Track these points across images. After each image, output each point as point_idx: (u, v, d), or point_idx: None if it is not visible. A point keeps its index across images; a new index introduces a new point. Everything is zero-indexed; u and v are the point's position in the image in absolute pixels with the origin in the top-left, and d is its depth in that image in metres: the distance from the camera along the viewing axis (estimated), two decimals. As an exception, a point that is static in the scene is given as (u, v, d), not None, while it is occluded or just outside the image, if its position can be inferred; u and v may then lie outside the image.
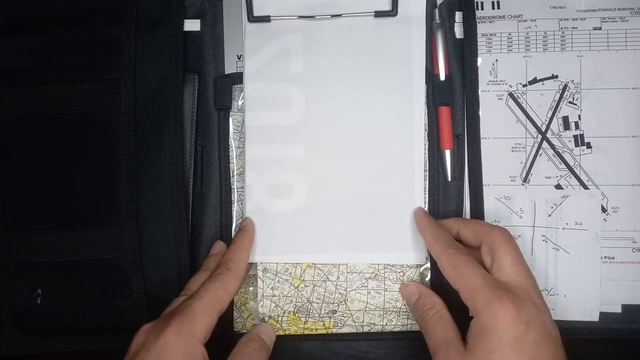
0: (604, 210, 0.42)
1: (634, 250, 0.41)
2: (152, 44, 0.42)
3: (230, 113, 0.44)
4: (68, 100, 0.42)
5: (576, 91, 0.42)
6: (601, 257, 0.41)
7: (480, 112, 0.42)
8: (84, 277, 0.42)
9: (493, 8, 0.43)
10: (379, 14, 0.42)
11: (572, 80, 0.42)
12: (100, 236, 0.41)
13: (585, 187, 0.42)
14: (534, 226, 0.42)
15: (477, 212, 0.42)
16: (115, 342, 0.40)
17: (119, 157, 0.41)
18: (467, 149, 0.42)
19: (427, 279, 0.42)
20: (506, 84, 0.42)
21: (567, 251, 0.42)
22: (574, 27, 0.42)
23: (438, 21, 0.43)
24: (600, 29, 0.42)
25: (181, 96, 0.42)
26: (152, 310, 0.39)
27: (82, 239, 0.41)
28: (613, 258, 0.42)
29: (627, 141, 0.41)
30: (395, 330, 0.42)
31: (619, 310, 0.42)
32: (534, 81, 0.42)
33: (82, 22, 0.43)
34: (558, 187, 0.42)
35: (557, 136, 0.42)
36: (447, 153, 0.43)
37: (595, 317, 0.41)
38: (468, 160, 0.42)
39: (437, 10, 0.43)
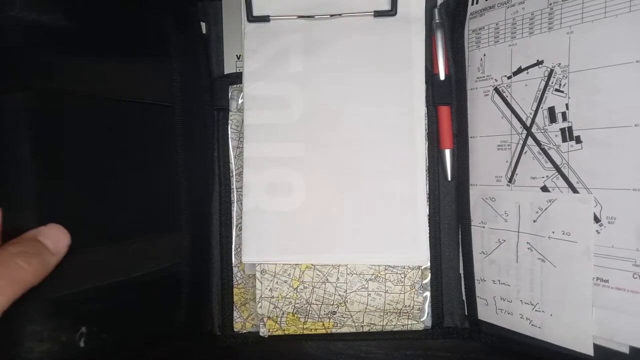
0: (597, 220, 0.33)
1: (635, 276, 0.31)
2: (183, 41, 0.40)
3: (230, 113, 0.44)
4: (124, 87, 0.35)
5: (563, 76, 0.35)
6: (593, 278, 0.33)
7: (468, 110, 0.41)
8: (133, 300, 0.34)
9: (487, -2, 0.40)
10: (378, 14, 0.42)
11: (559, 64, 0.35)
12: (162, 244, 0.37)
13: (575, 191, 0.34)
14: (518, 231, 0.38)
15: (463, 213, 0.41)
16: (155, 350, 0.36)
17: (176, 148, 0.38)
18: (456, 148, 0.41)
19: (427, 279, 0.42)
20: (492, 78, 0.39)
21: (554, 264, 0.36)
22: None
23: (438, 21, 0.43)
24: (598, -7, 0.33)
25: (200, 97, 0.42)
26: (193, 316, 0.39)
27: (142, 249, 0.35)
28: (607, 281, 0.33)
29: (628, 132, 0.32)
30: (395, 330, 0.42)
31: (626, 351, 0.33)
32: (519, 71, 0.37)
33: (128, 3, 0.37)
34: (544, 189, 0.36)
35: (543, 130, 0.36)
36: (447, 152, 0.43)
37: (588, 350, 0.34)
38: (457, 159, 0.42)
39: (436, 10, 0.43)
